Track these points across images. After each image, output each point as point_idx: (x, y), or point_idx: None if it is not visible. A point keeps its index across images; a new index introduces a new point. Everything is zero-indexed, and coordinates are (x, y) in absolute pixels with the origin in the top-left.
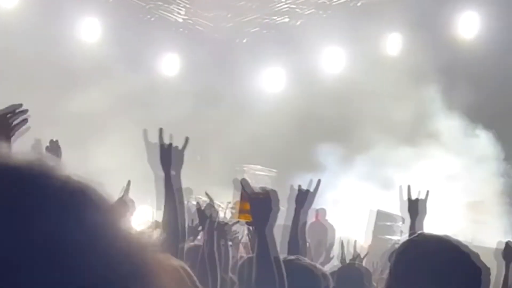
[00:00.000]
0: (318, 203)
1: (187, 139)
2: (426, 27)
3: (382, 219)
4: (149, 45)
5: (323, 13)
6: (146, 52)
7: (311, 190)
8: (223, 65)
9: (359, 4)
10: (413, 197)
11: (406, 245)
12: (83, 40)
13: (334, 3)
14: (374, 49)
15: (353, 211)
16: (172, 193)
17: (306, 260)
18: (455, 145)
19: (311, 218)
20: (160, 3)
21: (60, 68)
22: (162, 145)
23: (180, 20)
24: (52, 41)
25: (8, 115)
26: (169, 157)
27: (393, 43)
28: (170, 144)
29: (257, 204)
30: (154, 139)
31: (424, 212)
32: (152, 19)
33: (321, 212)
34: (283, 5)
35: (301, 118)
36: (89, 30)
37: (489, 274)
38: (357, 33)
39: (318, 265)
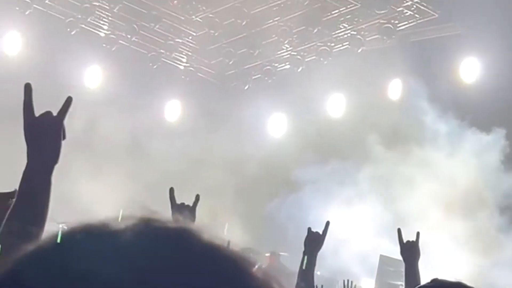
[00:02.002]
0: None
1: (197, 197)
2: (426, 72)
3: (385, 264)
4: (152, 92)
5: (324, 60)
6: (149, 98)
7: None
8: (225, 112)
9: (359, 50)
10: (405, 239)
11: None
12: (86, 87)
13: (334, 50)
14: (375, 94)
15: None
16: None
17: None
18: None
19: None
20: (162, 51)
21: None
22: (173, 205)
23: (182, 68)
24: (58, 86)
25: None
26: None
27: (394, 88)
28: (182, 204)
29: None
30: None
31: (418, 254)
32: (155, 66)
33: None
34: (284, 52)
35: (303, 160)
36: (92, 77)
37: None
38: (358, 80)
39: None
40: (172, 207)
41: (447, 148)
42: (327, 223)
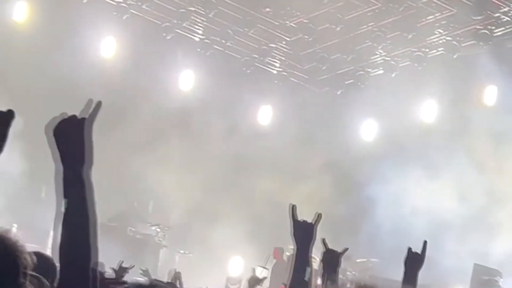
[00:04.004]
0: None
1: (320, 216)
2: None
3: (479, 273)
4: (244, 96)
5: (418, 65)
6: (241, 102)
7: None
8: (316, 116)
9: (455, 56)
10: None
11: None
12: (180, 90)
13: (429, 56)
14: (470, 101)
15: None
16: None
17: None
18: None
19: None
20: (256, 55)
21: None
22: (294, 222)
23: (275, 72)
24: (152, 88)
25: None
26: (301, 233)
27: (490, 95)
28: (304, 221)
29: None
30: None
31: None
32: (248, 71)
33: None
34: (378, 57)
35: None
36: (186, 81)
37: None
38: (453, 85)
39: None
40: (293, 224)
41: None
42: (425, 243)
